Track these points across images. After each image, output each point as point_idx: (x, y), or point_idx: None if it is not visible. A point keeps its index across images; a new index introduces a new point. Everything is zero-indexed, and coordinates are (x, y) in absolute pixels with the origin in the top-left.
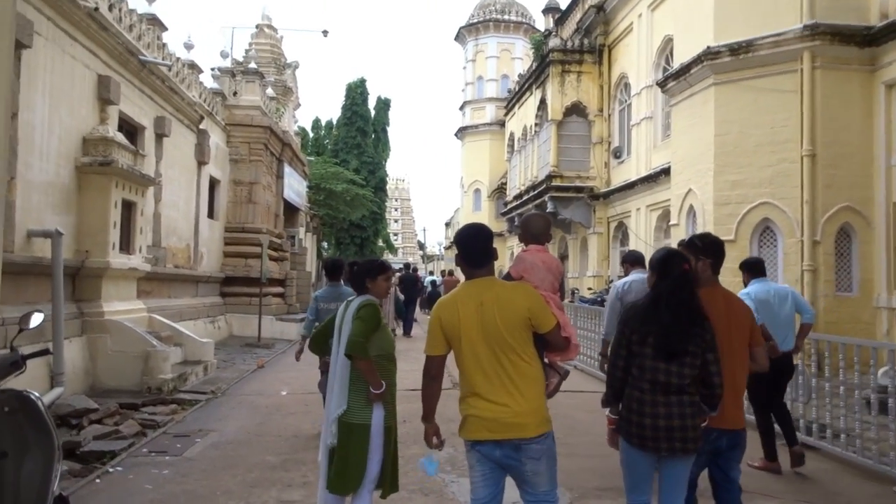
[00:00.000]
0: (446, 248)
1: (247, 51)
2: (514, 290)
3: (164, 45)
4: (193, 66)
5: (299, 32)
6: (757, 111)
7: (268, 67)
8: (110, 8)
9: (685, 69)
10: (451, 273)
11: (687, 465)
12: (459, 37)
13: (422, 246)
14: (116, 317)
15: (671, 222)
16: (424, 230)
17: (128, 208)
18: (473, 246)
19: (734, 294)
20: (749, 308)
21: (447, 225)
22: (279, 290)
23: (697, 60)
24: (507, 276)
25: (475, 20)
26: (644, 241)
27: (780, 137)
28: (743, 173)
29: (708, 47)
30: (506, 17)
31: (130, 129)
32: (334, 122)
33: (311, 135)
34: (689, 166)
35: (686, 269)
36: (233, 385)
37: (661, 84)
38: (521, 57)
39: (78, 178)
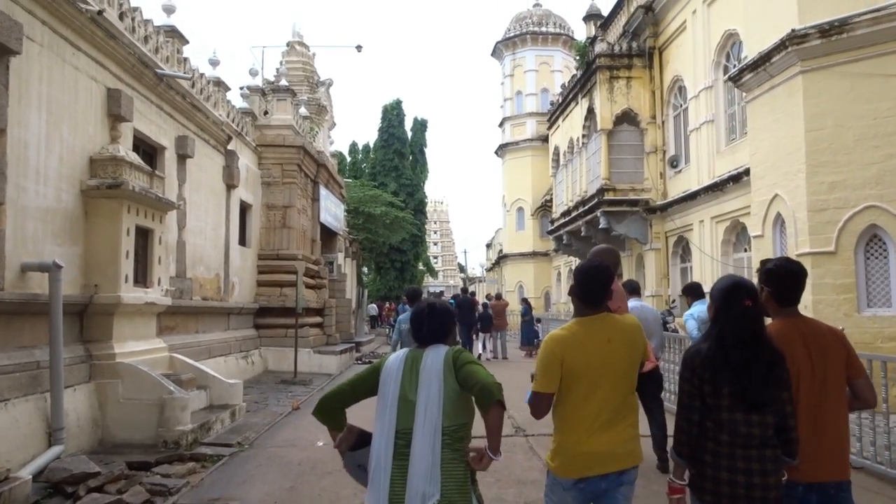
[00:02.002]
0: (488, 270)
1: (278, 69)
2: (633, 326)
3: (186, 59)
4: (220, 84)
5: (332, 49)
6: (855, 100)
7: (300, 85)
8: (121, 17)
9: (765, 58)
10: (498, 297)
11: None
12: (496, 52)
13: (462, 268)
14: (130, 359)
15: (754, 233)
16: (465, 252)
17: (143, 236)
18: (594, 286)
19: (820, 323)
20: (843, 336)
21: (488, 246)
22: (317, 319)
23: (780, 46)
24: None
25: (512, 34)
26: (710, 255)
27: (886, 129)
28: (842, 173)
29: (793, 30)
30: (543, 29)
31: (148, 149)
32: (371, 145)
33: (348, 159)
34: (774, 168)
35: (748, 305)
36: (263, 433)
37: (735, 78)
38: (560, 70)
39: (84, 203)
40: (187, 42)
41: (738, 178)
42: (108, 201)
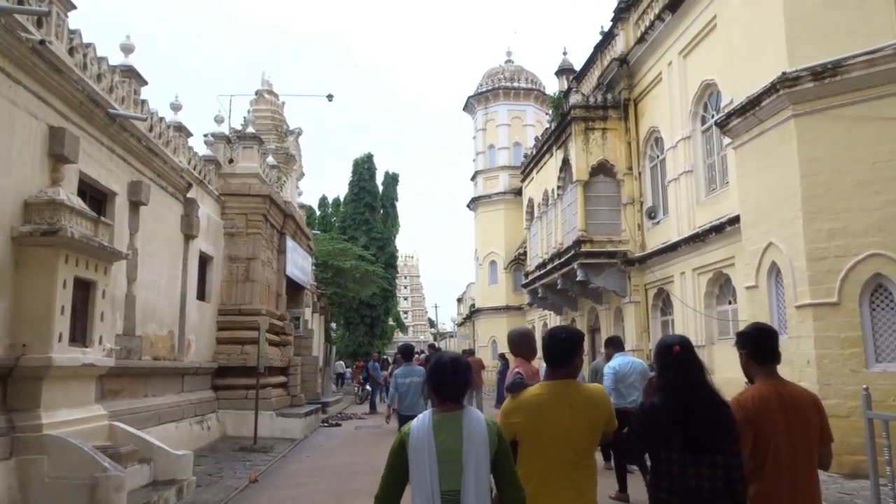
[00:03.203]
0: (459, 325)
1: (245, 117)
2: (600, 394)
3: (144, 101)
4: (181, 129)
5: (303, 98)
6: (852, 144)
7: (268, 134)
8: (71, 52)
9: (754, 102)
10: (472, 353)
11: None
12: (468, 106)
13: (433, 323)
14: (60, 430)
15: (747, 284)
16: (436, 307)
17: (84, 289)
18: (556, 347)
19: (799, 387)
20: (820, 402)
21: (459, 300)
22: (281, 379)
23: (771, 90)
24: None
25: (484, 89)
26: (693, 308)
27: (886, 174)
28: (841, 220)
29: (783, 73)
30: (515, 84)
31: (97, 194)
32: (341, 198)
33: (317, 212)
34: (767, 216)
35: (676, 350)
36: None
37: (721, 123)
38: (532, 124)
39: (14, 252)
40: (146, 83)
41: (721, 229)
42: (42, 249)
